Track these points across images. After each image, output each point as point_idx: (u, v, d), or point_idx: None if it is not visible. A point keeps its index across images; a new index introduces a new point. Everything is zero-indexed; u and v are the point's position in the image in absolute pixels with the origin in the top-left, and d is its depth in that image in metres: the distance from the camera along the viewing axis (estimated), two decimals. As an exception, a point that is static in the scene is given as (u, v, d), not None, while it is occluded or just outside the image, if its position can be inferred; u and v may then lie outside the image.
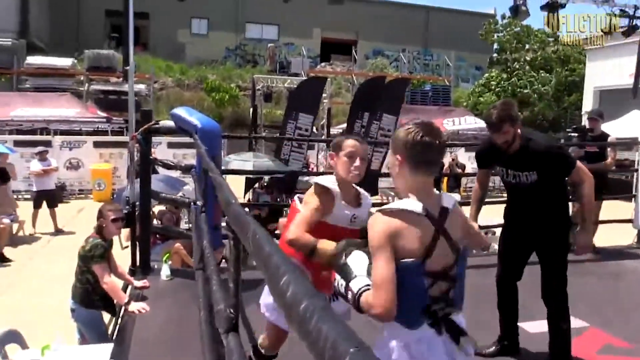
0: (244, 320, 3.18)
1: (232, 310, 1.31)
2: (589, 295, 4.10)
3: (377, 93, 9.98)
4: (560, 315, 3.02)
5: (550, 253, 3.07)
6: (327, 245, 2.04)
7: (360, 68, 28.15)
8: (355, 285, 1.70)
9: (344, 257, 1.80)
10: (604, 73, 19.39)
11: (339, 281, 1.78)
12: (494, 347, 3.25)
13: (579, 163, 3.08)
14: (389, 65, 29.31)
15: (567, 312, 3.04)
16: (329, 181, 2.33)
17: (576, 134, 6.16)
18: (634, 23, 10.55)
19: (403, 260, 1.67)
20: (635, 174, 5.66)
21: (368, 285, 1.68)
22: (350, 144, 2.32)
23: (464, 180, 13.43)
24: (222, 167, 5.78)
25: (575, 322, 3.16)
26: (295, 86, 13.94)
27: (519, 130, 2.98)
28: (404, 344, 1.72)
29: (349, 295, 1.71)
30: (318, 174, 13.56)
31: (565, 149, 3.89)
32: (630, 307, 4.09)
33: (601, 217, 5.59)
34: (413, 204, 1.71)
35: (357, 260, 1.78)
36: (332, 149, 2.40)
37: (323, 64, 29.45)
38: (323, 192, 2.29)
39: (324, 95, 14.89)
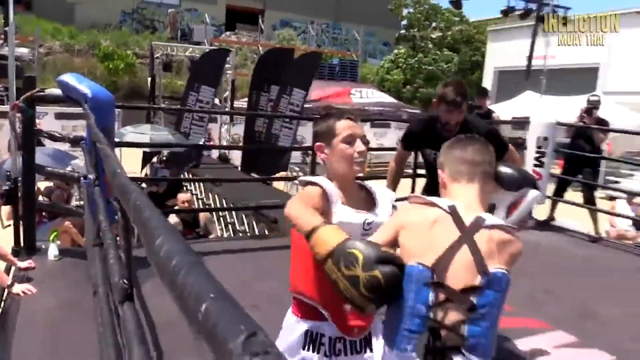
0: (138, 293, 3.20)
1: (125, 281, 1.36)
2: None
3: (283, 65, 9.92)
4: None
5: None
6: (331, 235, 1.47)
7: (267, 39, 27.92)
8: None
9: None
10: (503, 54, 20.62)
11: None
12: None
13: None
14: (296, 37, 29.32)
15: None
16: (321, 180, 1.79)
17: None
18: (529, 7, 11.34)
19: (409, 263, 1.48)
20: (524, 151, 6.17)
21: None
22: (345, 124, 1.82)
23: (368, 155, 13.90)
24: (117, 140, 5.63)
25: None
26: (197, 55, 13.63)
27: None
28: None
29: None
30: (221, 147, 13.42)
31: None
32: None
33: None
34: (442, 200, 1.60)
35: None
36: (320, 137, 1.84)
37: (228, 33, 28.89)
38: (314, 191, 1.74)
39: (227, 66, 14.71)
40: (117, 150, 4.96)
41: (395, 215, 1.68)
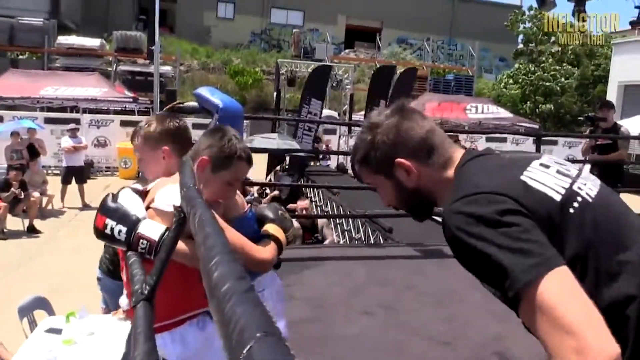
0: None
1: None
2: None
3: (388, 81, 10.46)
4: None
5: None
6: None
7: (384, 56, 27.93)
8: (152, 231, 1.46)
9: (111, 197, 1.53)
10: (629, 68, 18.95)
11: (111, 226, 1.46)
12: None
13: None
14: (405, 53, 28.99)
15: None
16: None
17: (588, 123, 6.22)
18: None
19: None
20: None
21: (168, 230, 1.42)
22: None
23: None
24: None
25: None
26: (319, 72, 13.91)
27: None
28: None
29: (142, 244, 1.44)
30: (335, 153, 13.55)
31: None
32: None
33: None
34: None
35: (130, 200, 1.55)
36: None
37: (347, 50, 29.27)
38: None
39: (347, 82, 14.85)
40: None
41: None
